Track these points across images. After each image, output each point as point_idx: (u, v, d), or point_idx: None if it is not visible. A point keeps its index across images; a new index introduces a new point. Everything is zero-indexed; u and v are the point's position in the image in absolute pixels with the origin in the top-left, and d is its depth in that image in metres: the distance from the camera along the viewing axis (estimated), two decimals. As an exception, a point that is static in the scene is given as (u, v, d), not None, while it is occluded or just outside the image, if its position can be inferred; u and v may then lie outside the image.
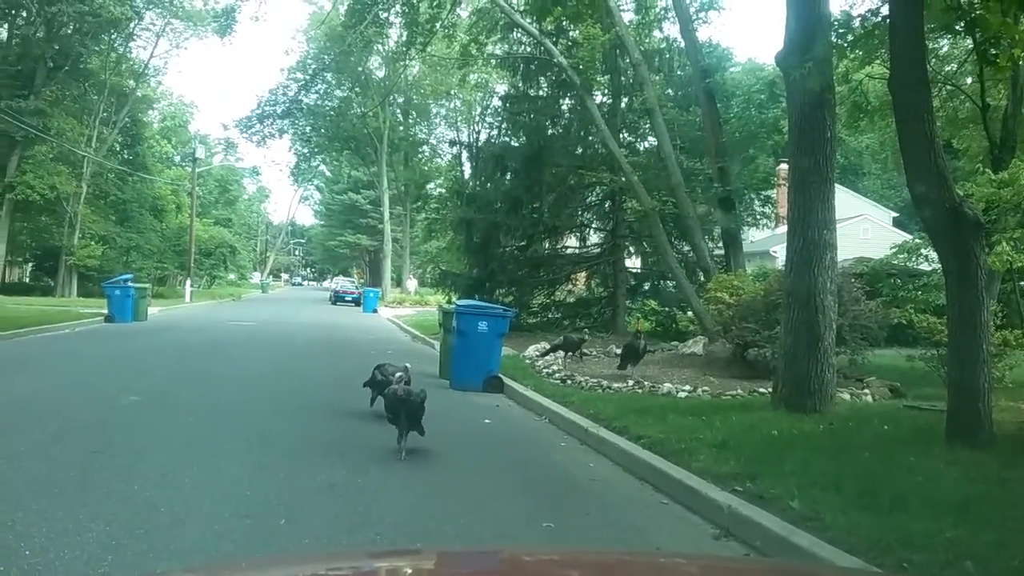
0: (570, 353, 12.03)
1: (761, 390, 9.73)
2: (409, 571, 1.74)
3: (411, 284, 48.53)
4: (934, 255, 10.21)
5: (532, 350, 14.03)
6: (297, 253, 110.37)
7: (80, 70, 35.90)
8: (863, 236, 22.44)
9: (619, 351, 13.89)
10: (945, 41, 13.76)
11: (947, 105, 13.17)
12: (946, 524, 4.29)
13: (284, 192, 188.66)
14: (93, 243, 36.65)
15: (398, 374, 6.60)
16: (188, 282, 37.50)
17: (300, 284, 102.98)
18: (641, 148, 20.85)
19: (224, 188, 65.22)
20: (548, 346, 13.75)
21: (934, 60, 11.64)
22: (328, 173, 68.84)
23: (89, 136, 37.14)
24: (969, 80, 13.24)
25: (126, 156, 42.38)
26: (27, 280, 42.53)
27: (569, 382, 10.88)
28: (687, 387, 10.21)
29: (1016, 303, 10.68)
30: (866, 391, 10.08)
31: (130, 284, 21.93)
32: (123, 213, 40.54)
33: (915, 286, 13.67)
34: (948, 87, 12.64)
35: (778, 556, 4.19)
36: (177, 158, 54.49)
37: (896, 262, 13.65)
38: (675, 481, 5.60)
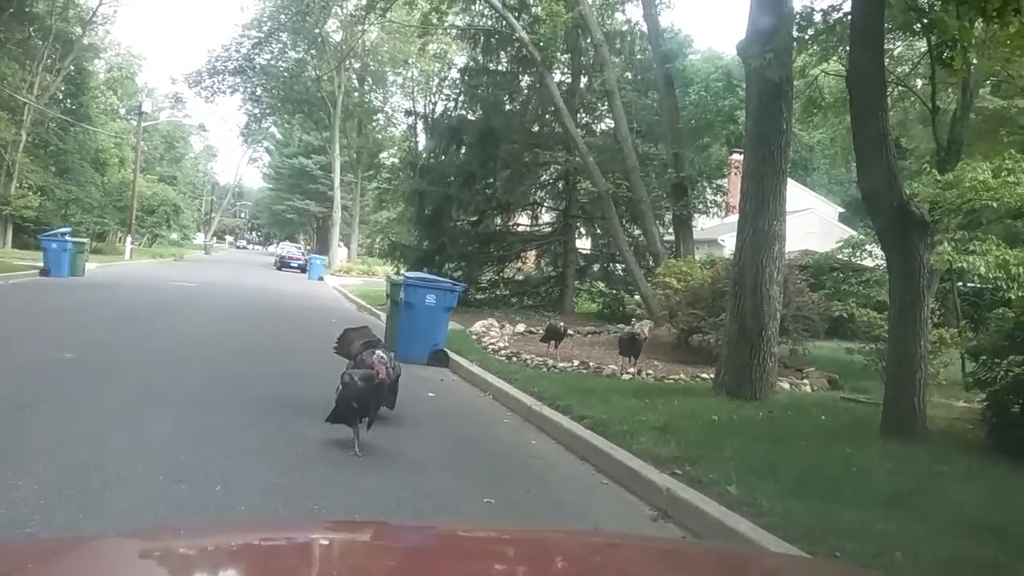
0: (552, 341, 11.37)
1: (703, 375, 9.87)
2: (346, 543, 1.71)
3: (342, 253, 45.78)
4: (877, 251, 10.42)
5: (479, 326, 14.00)
6: (243, 216, 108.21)
7: (25, 13, 34.50)
8: (809, 229, 22.84)
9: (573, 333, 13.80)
10: (900, 43, 14.01)
11: (898, 106, 13.42)
12: (878, 515, 4.39)
13: (232, 152, 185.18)
14: (31, 194, 35.47)
15: (377, 352, 5.63)
16: (129, 239, 36.52)
17: (245, 247, 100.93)
18: (598, 130, 20.89)
19: (170, 145, 63.58)
20: (525, 331, 13.57)
21: (888, 61, 11.81)
22: (279, 136, 67.45)
23: (31, 82, 35.82)
24: (920, 83, 13.50)
25: (69, 105, 40.93)
26: (-42, 229, 41.02)
27: (515, 359, 10.88)
28: (631, 369, 10.29)
29: (953, 302, 10.96)
30: (805, 381, 10.29)
31: (68, 238, 21.26)
32: (63, 164, 39.18)
33: (857, 281, 13.94)
34: (900, 88, 12.87)
35: (714, 539, 4.23)
36: (123, 111, 52.89)
37: (840, 256, 13.90)
38: (616, 462, 5.63)
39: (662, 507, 4.83)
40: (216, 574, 1.45)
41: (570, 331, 13.66)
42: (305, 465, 5.04)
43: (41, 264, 20.63)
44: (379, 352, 5.67)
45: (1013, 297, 8.63)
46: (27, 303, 14.01)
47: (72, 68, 39.16)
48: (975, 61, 8.56)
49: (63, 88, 39.94)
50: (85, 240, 24.86)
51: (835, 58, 11.61)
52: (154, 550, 1.49)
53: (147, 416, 5.96)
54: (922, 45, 11.69)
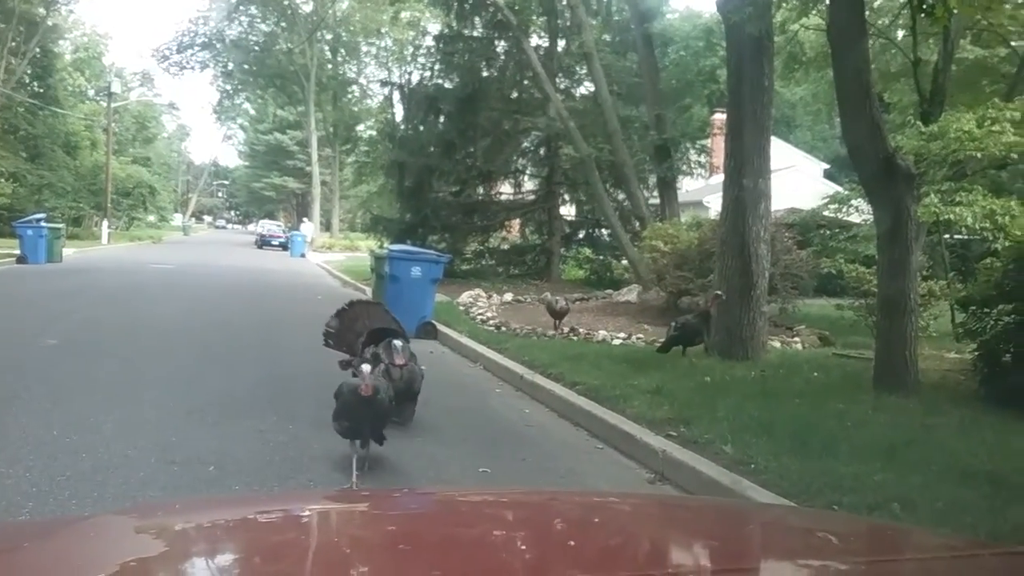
0: (556, 321, 10.68)
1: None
2: (344, 512, 1.68)
3: (307, 228, 41.87)
4: (864, 206, 10.40)
5: (466, 296, 13.93)
6: (221, 195, 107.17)
7: (-14, -3, 33.77)
8: (794, 187, 22.76)
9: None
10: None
11: (879, 58, 13.32)
12: (874, 468, 4.39)
13: (206, 131, 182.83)
14: (2, 180, 34.88)
15: (398, 342, 4.85)
16: (105, 223, 36.10)
17: (224, 227, 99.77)
18: (577, 94, 20.70)
19: (142, 125, 62.46)
20: (512, 300, 13.48)
21: (868, 13, 11.71)
22: (252, 112, 66.60)
23: (-4, 67, 35.11)
24: (901, 34, 13.40)
25: (36, 89, 40.09)
26: (-71, 218, 40.30)
27: (503, 329, 10.83)
28: (622, 334, 10.27)
29: (941, 254, 10.99)
30: (796, 339, 10.31)
31: (43, 224, 21.00)
32: (34, 149, 38.47)
33: (845, 237, 13.97)
34: (882, 40, 12.77)
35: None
36: (91, 92, 51.97)
37: (827, 213, 13.89)
38: (610, 426, 5.61)
39: (659, 469, 4.83)
40: (215, 547, 1.41)
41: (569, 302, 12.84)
42: (298, 443, 4.99)
43: (17, 252, 20.37)
44: (398, 341, 4.82)
45: (1000, 247, 8.63)
46: (5, 291, 13.81)
47: (38, 50, 38.33)
48: (955, 10, 8.45)
49: (29, 71, 39.12)
50: (61, 225, 24.51)
51: (815, 12, 11.51)
52: (150, 527, 1.46)
53: (135, 399, 5.88)
54: (902, -4, 11.60)
